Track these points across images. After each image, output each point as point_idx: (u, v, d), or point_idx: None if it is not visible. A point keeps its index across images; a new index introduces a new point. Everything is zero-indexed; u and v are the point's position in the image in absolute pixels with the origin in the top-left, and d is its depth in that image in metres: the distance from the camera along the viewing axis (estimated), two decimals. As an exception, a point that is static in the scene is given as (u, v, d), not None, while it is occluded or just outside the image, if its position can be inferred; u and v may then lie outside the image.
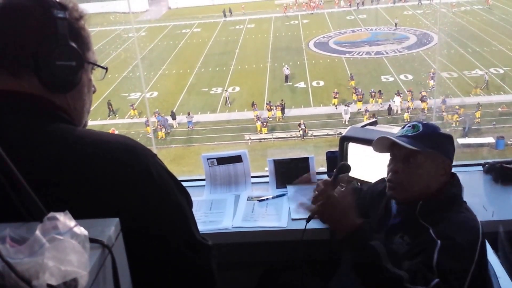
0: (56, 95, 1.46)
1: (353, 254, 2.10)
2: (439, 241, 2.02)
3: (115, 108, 31.09)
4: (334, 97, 29.27)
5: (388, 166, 2.34)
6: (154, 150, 1.58)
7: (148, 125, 28.03)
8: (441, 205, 2.20)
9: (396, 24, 42.46)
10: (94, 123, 28.48)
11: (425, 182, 2.23)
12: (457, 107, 26.91)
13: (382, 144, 2.33)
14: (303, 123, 26.45)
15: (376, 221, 2.41)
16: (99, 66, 1.62)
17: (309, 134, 26.60)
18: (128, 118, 30.04)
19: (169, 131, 28.51)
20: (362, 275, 2.09)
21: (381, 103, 28.95)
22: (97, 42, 41.52)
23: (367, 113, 27.44)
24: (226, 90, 32.39)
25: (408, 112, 28.00)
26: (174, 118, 29.27)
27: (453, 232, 2.05)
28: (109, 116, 30.63)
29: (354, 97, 29.40)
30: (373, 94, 29.46)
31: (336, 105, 29.12)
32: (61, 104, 1.48)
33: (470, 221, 2.14)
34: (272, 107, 28.95)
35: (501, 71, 31.29)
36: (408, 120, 26.02)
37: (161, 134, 27.80)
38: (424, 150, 2.19)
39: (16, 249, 0.91)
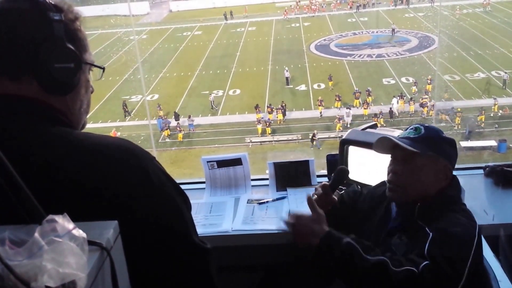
0: (55, 98, 1.47)
1: (330, 257, 2.07)
2: (431, 233, 2.05)
3: (119, 111, 31.10)
4: (319, 105, 28.98)
5: (389, 167, 2.34)
6: (154, 153, 1.58)
7: (167, 128, 28.16)
8: (439, 206, 2.22)
9: (393, 30, 42.17)
10: (112, 124, 28.95)
11: (424, 184, 2.24)
12: (459, 109, 26.91)
13: (383, 145, 2.34)
14: (317, 133, 26.13)
15: (375, 224, 2.41)
16: (96, 66, 1.63)
17: (310, 137, 26.56)
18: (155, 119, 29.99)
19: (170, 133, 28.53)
20: (344, 276, 2.09)
21: (366, 115, 28.40)
22: (98, 45, 41.68)
23: (340, 121, 27.28)
24: (210, 94, 32.24)
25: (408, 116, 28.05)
26: (177, 119, 29.19)
27: (446, 226, 2.08)
28: (125, 117, 30.68)
29: (338, 104, 29.19)
30: (370, 92, 29.56)
31: (321, 113, 28.86)
32: (60, 106, 1.48)
33: (465, 220, 2.14)
34: (273, 110, 28.91)
35: (503, 74, 31.20)
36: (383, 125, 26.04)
37: (180, 136, 27.75)
38: (425, 153, 2.20)
39: (15, 251, 0.91)
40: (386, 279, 1.95)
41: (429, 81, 30.72)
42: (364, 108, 28.12)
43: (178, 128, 27.99)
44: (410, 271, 1.93)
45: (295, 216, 2.26)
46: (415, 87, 30.70)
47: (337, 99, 29.21)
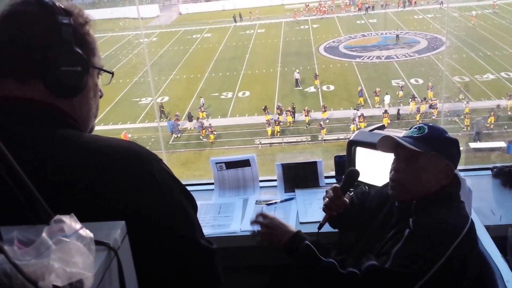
0: (62, 101, 1.48)
1: (293, 257, 2.37)
2: (407, 230, 2.14)
3: (129, 113, 31.20)
4: (306, 115, 28.56)
5: (392, 165, 2.37)
6: (163, 154, 1.59)
7: (203, 129, 28.06)
8: (433, 203, 2.24)
9: (397, 36, 41.78)
10: (122, 126, 29.22)
11: (425, 183, 2.26)
12: (467, 111, 26.79)
13: (387, 143, 2.36)
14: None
15: (380, 222, 2.43)
16: (105, 70, 1.63)
17: (319, 139, 26.52)
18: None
19: (179, 135, 28.55)
20: (303, 275, 2.35)
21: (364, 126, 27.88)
22: (108, 48, 41.83)
23: (323, 127, 26.89)
24: (201, 97, 32.22)
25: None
26: (190, 120, 29.36)
27: (426, 225, 2.16)
28: (161, 118, 30.62)
29: (324, 114, 28.57)
30: (378, 92, 29.62)
31: (308, 123, 28.50)
32: (67, 109, 1.49)
33: (453, 218, 2.17)
34: (282, 111, 28.88)
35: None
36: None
37: (212, 137, 27.58)
38: (427, 152, 2.21)
39: (23, 251, 0.92)
40: (334, 280, 2.18)
41: (429, 89, 30.20)
42: (360, 122, 27.15)
43: (210, 129, 27.86)
44: (353, 272, 2.13)
45: (268, 216, 2.59)
46: (401, 91, 30.55)
47: (324, 109, 28.70)
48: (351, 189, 2.82)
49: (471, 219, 2.18)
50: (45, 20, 1.44)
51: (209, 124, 28.22)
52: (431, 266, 2.02)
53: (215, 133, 27.80)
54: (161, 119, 30.48)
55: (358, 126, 25.99)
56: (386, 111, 27.56)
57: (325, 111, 28.62)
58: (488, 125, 26.04)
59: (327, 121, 27.67)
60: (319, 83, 33.15)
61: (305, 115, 28.49)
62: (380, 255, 2.18)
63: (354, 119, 27.31)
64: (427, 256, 2.05)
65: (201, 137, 28.03)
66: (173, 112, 30.28)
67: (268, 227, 2.53)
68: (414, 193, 2.27)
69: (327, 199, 2.60)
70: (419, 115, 27.78)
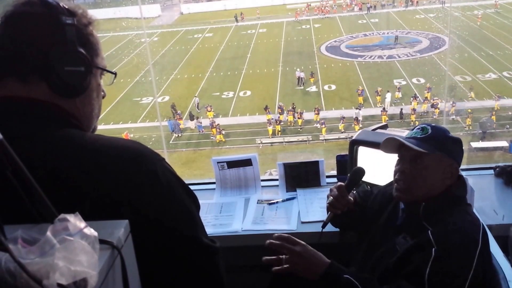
0: (65, 100, 1.48)
1: None
2: (433, 253, 2.04)
3: (130, 113, 31.21)
4: (299, 118, 28.56)
5: (396, 166, 2.35)
6: (165, 153, 1.59)
7: (214, 127, 28.04)
8: (444, 207, 2.22)
9: (396, 38, 41.61)
10: (123, 126, 29.27)
11: (431, 183, 2.24)
12: (469, 110, 26.78)
13: (391, 145, 2.35)
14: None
15: (383, 222, 2.42)
16: (108, 71, 1.63)
17: (320, 138, 26.54)
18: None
19: (180, 135, 28.57)
20: None
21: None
22: (109, 48, 41.90)
23: (325, 125, 26.98)
24: (195, 97, 32.51)
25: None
26: (192, 119, 29.40)
27: (450, 241, 2.08)
28: (174, 118, 30.62)
29: (317, 117, 28.40)
30: (379, 91, 29.73)
31: (302, 125, 28.58)
32: (70, 109, 1.50)
33: (469, 227, 2.13)
34: (283, 110, 28.94)
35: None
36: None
37: (219, 137, 27.64)
38: (432, 152, 2.20)
39: (27, 249, 0.92)
40: None
41: (427, 89, 30.16)
42: (355, 124, 27.11)
43: (218, 129, 27.81)
44: None
45: (299, 243, 2.32)
46: (399, 92, 30.64)
47: (316, 112, 28.68)
48: (354, 189, 2.82)
49: (482, 222, 2.18)
50: (49, 20, 1.44)
51: (217, 124, 28.18)
52: (465, 281, 1.99)
53: (224, 132, 27.85)
54: (173, 118, 30.48)
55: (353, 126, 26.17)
56: (384, 109, 27.64)
57: (318, 113, 28.59)
58: (490, 124, 26.01)
59: (320, 122, 27.64)
60: (315, 81, 33.44)
61: (298, 118, 28.60)
62: (408, 276, 2.08)
63: (342, 118, 27.38)
64: (459, 272, 2.01)
65: (211, 136, 28.09)
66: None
67: (300, 256, 2.29)
68: (420, 194, 2.25)
69: (331, 197, 2.59)
70: (415, 115, 27.84)
